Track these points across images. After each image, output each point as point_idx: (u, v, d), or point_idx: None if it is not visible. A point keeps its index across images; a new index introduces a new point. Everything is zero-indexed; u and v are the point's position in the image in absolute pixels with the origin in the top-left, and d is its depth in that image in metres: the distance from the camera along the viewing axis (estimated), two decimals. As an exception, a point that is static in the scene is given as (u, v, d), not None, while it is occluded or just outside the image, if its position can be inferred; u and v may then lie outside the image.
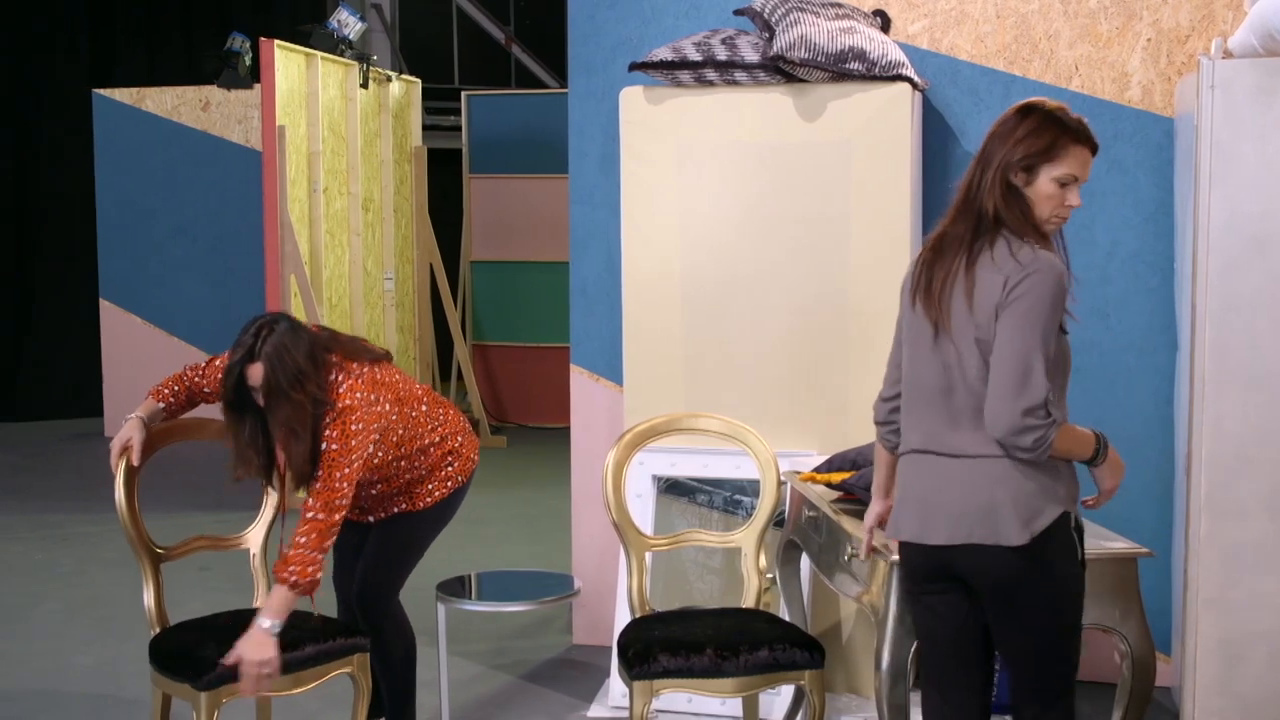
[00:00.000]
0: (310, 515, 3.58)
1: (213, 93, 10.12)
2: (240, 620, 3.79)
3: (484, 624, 5.48)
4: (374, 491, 3.93)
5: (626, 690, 3.75)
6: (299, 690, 3.69)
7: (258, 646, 3.50)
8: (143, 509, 3.86)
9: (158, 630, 3.78)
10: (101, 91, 10.39)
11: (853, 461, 3.95)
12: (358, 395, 3.67)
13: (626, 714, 3.79)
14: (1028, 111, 2.94)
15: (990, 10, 4.81)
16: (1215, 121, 4.06)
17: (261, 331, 3.61)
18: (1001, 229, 2.89)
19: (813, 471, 4.06)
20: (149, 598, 3.81)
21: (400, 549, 4.03)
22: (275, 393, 3.57)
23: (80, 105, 10.59)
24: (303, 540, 3.55)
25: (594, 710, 4.64)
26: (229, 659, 3.50)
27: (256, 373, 3.58)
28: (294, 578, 3.53)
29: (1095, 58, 4.73)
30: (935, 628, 3.05)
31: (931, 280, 2.94)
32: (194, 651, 3.59)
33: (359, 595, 3.99)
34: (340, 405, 3.64)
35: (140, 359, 10.39)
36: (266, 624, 3.53)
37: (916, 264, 3.02)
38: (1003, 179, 2.89)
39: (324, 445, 3.63)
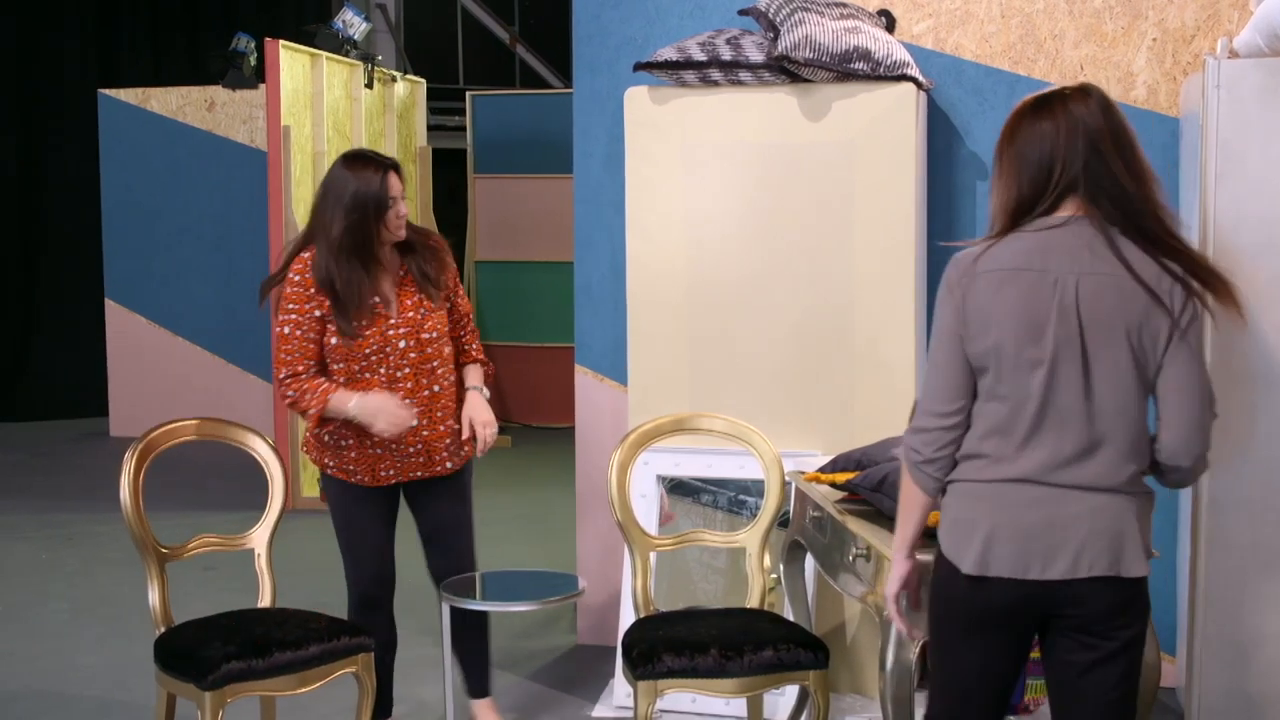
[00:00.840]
0: (476, 346, 4.29)
1: (218, 93, 10.13)
2: (244, 620, 3.80)
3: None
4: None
5: (631, 690, 3.75)
6: (303, 690, 3.69)
7: (488, 410, 4.13)
8: (148, 509, 3.86)
9: (163, 630, 3.79)
10: (107, 91, 10.40)
11: (857, 462, 3.95)
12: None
13: (631, 714, 3.79)
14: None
15: (995, 10, 4.81)
16: (1221, 121, 4.05)
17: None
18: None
19: (817, 471, 4.06)
20: (154, 597, 3.82)
21: (469, 507, 4.22)
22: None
23: (86, 105, 10.60)
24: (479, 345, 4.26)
25: (598, 710, 4.64)
26: (465, 430, 4.08)
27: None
28: (486, 364, 4.23)
29: (1100, 57, 4.73)
30: (985, 673, 2.74)
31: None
32: (199, 651, 3.60)
33: (456, 569, 4.12)
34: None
35: (145, 359, 10.41)
36: (481, 388, 4.14)
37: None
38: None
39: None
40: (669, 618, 3.95)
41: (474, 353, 4.21)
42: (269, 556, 4.02)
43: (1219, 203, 4.08)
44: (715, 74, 4.65)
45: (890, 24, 4.83)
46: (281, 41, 8.07)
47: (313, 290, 3.92)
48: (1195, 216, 4.22)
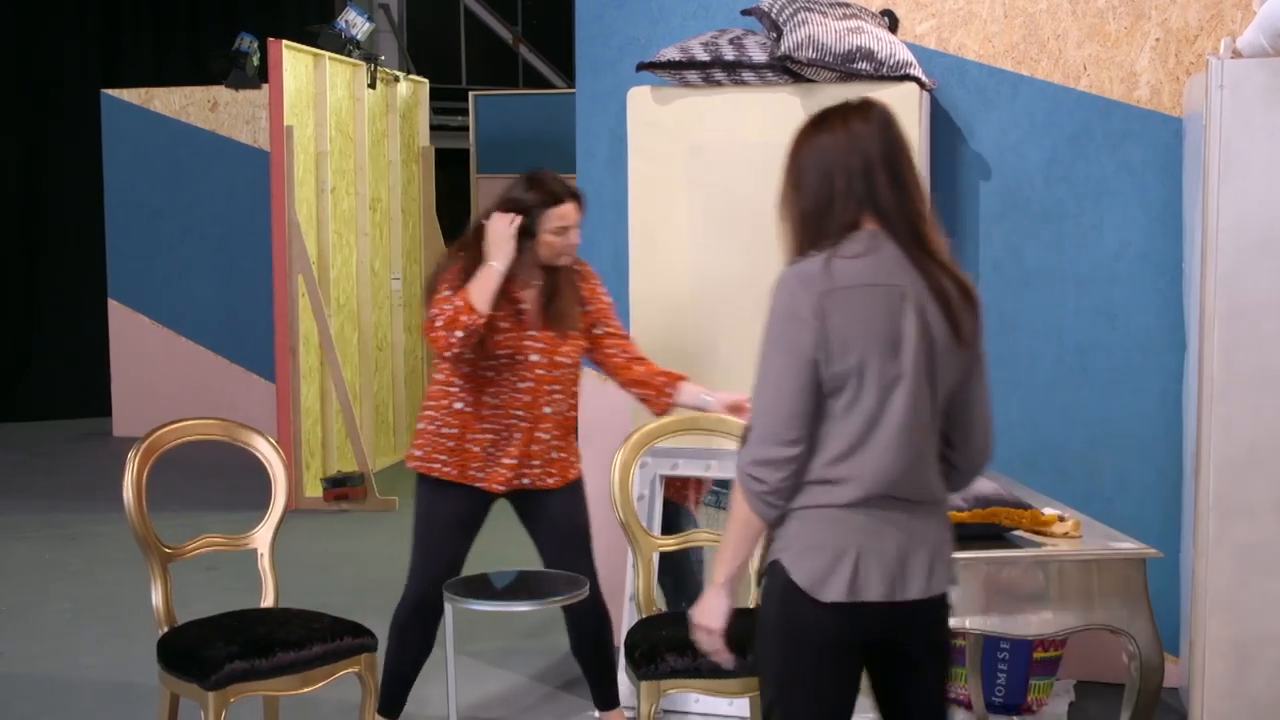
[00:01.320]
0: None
1: (221, 93, 10.14)
2: (246, 620, 3.80)
3: (492, 624, 5.48)
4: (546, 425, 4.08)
5: (634, 690, 3.75)
6: (306, 690, 3.69)
7: None
8: (151, 509, 3.86)
9: (165, 630, 3.79)
10: (110, 92, 10.40)
11: None
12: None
13: (633, 714, 3.79)
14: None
15: (998, 10, 4.81)
16: (1224, 121, 4.05)
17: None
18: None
19: None
20: (157, 597, 3.82)
21: (580, 522, 4.23)
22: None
23: (89, 105, 10.61)
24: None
25: (599, 714, 4.64)
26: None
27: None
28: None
29: (1103, 57, 4.73)
30: (846, 703, 2.68)
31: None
32: (201, 651, 3.60)
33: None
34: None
35: (148, 359, 10.42)
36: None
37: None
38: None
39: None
40: (671, 618, 3.95)
41: (668, 372, 4.23)
42: (272, 556, 4.01)
43: (1222, 202, 4.08)
44: (718, 74, 4.65)
45: (893, 24, 4.83)
46: (284, 41, 8.07)
47: (462, 282, 4.00)
48: (1198, 216, 4.22)
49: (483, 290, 3.93)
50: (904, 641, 2.66)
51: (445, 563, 4.08)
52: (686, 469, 4.73)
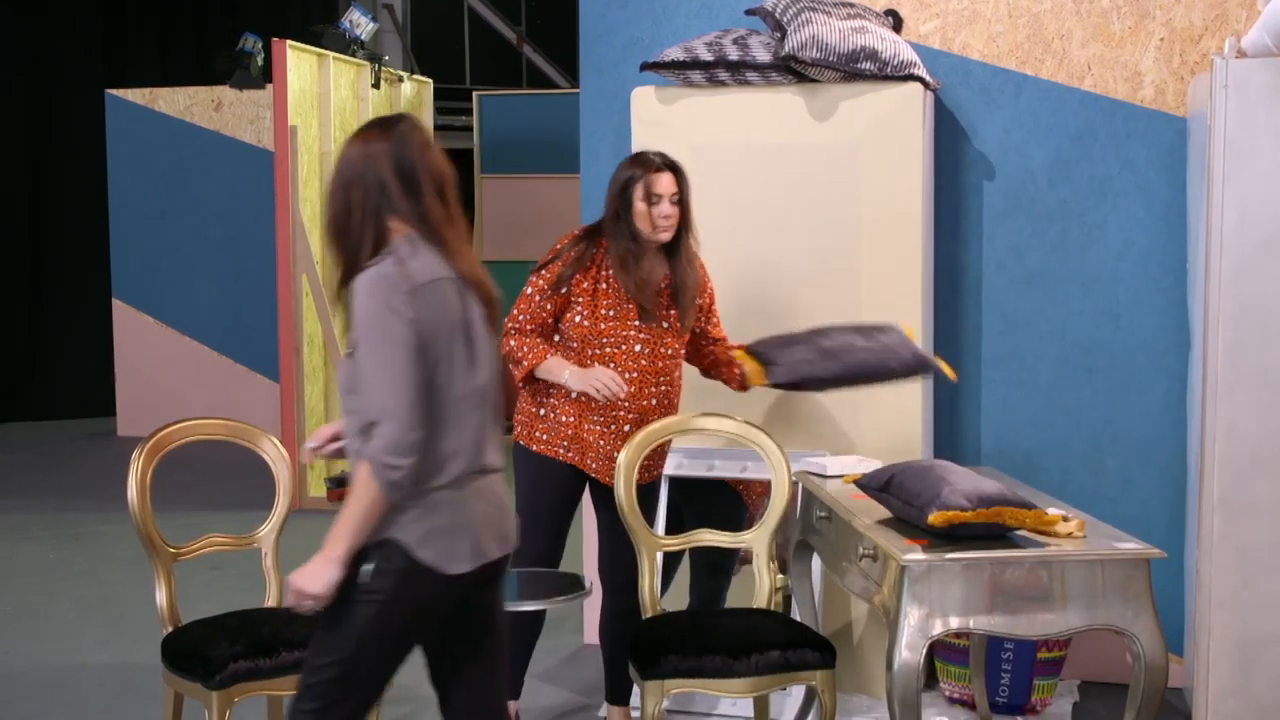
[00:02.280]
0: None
1: (225, 93, 10.14)
2: (251, 620, 3.80)
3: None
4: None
5: (638, 690, 3.75)
6: (310, 689, 3.69)
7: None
8: (155, 509, 3.86)
9: (170, 629, 3.79)
10: (114, 92, 10.41)
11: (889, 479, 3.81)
12: None
13: (638, 714, 3.79)
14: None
15: (1002, 9, 4.80)
16: (1229, 121, 4.05)
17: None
18: None
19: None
20: (161, 597, 3.82)
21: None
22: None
23: (93, 105, 10.62)
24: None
25: (605, 710, 4.64)
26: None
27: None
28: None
29: (1108, 57, 4.72)
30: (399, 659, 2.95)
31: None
32: (206, 651, 3.60)
33: (618, 577, 4.17)
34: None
35: (153, 358, 10.42)
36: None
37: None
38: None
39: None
40: (676, 618, 3.95)
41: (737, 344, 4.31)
42: (276, 556, 4.01)
43: (1226, 202, 4.08)
44: (722, 74, 4.65)
45: (897, 24, 4.83)
46: (288, 42, 8.08)
47: (568, 267, 4.05)
48: (1202, 216, 4.22)
49: (540, 371, 4.03)
50: (482, 597, 2.99)
51: (547, 539, 4.16)
52: (690, 469, 4.73)
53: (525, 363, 4.04)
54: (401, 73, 9.68)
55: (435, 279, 2.82)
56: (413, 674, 4.42)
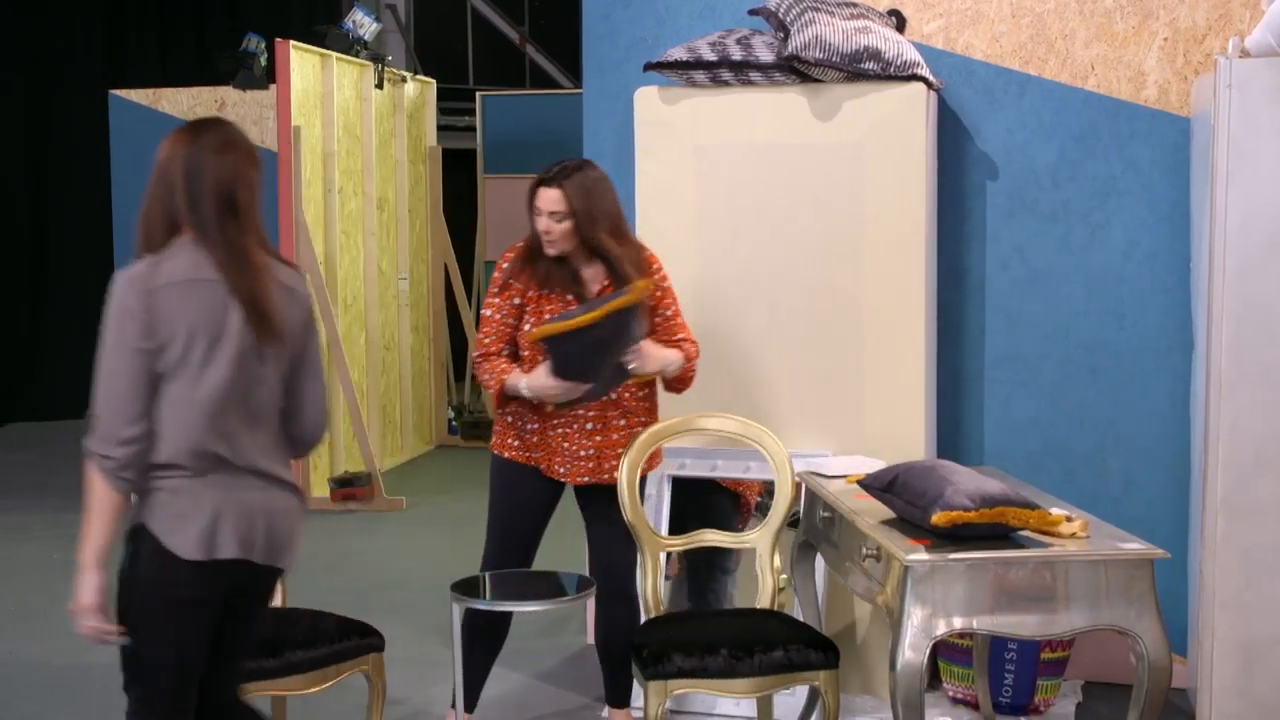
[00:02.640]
0: (684, 347, 4.16)
1: (228, 93, 10.12)
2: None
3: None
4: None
5: (641, 690, 3.75)
6: (314, 690, 3.70)
7: (659, 360, 4.05)
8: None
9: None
10: (117, 92, 10.41)
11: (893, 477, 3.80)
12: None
13: (641, 714, 3.79)
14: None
15: (1006, 10, 4.80)
16: (1232, 121, 4.05)
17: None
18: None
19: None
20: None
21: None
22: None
23: (96, 106, 10.61)
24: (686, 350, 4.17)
25: (608, 710, 4.64)
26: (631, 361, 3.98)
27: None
28: (690, 352, 4.14)
29: (1111, 57, 4.72)
30: (193, 653, 3.03)
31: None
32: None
33: (610, 580, 4.13)
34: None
35: (156, 359, 10.41)
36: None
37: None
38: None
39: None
40: (679, 618, 3.95)
41: (680, 345, 4.18)
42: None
43: (1230, 202, 4.08)
44: (725, 74, 4.65)
45: (900, 24, 4.83)
46: (292, 42, 8.08)
47: (513, 279, 4.07)
48: (1206, 216, 4.22)
49: (506, 389, 4.03)
50: (243, 599, 3.09)
51: (518, 547, 4.17)
52: (694, 469, 4.73)
53: (491, 390, 4.07)
54: (404, 73, 9.68)
55: (185, 280, 2.91)
56: (414, 678, 4.44)
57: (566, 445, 4.09)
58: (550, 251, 4.03)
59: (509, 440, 4.17)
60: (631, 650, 3.86)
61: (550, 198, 4.00)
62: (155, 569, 2.96)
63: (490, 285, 4.15)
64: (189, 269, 2.93)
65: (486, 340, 4.10)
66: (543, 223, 4.01)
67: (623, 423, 4.12)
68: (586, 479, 4.11)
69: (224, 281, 2.93)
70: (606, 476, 4.09)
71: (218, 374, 2.93)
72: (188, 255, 2.94)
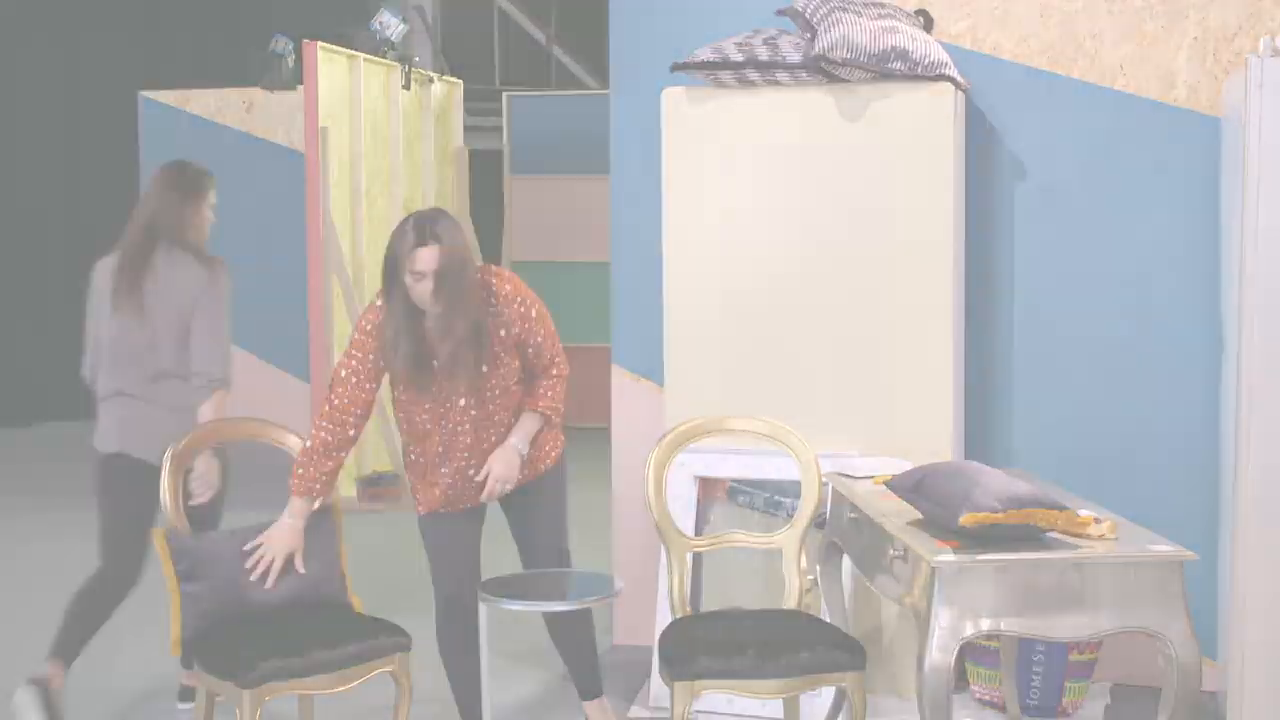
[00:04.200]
0: (556, 373, 4.08)
1: (256, 95, 10.17)
2: (281, 619, 3.81)
3: (514, 623, 5.47)
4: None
5: (667, 690, 3.74)
6: (342, 688, 3.71)
7: (507, 464, 3.98)
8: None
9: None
10: (147, 94, 10.47)
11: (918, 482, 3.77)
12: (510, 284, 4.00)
13: (667, 714, 3.79)
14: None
15: (1034, 9, 4.78)
16: (1263, 121, 4.02)
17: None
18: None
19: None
20: (193, 596, 3.84)
21: (562, 507, 4.29)
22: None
23: (126, 107, 10.67)
24: (554, 387, 4.07)
25: (635, 710, 4.64)
26: (482, 474, 3.97)
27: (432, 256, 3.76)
28: (549, 412, 4.03)
29: (1140, 57, 4.70)
30: None
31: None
32: (237, 650, 3.62)
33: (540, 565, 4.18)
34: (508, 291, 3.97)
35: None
36: (514, 442, 3.98)
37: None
38: None
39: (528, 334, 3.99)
40: (705, 618, 3.95)
41: (540, 399, 4.05)
42: (302, 557, 4.03)
43: (1260, 203, 4.05)
44: (752, 74, 4.65)
45: (928, 24, 4.81)
46: (319, 43, 8.11)
47: (375, 341, 3.93)
48: (1236, 217, 4.19)
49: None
50: None
51: (455, 572, 4.15)
52: (723, 469, 4.73)
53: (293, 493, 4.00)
54: (431, 74, 9.70)
55: (104, 268, 4.77)
56: (440, 678, 4.44)
57: (458, 483, 4.04)
58: (434, 313, 3.87)
59: (420, 497, 4.14)
60: (658, 649, 3.86)
61: (427, 255, 3.77)
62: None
63: (349, 345, 4.01)
64: (110, 261, 4.84)
65: (337, 401, 3.98)
66: (427, 284, 3.81)
67: (495, 437, 4.05)
68: (468, 504, 4.11)
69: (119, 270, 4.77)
70: (523, 475, 4.08)
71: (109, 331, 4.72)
72: (116, 253, 4.78)
